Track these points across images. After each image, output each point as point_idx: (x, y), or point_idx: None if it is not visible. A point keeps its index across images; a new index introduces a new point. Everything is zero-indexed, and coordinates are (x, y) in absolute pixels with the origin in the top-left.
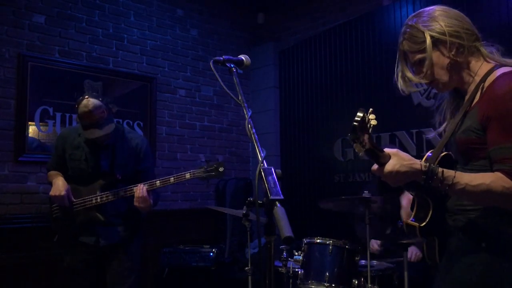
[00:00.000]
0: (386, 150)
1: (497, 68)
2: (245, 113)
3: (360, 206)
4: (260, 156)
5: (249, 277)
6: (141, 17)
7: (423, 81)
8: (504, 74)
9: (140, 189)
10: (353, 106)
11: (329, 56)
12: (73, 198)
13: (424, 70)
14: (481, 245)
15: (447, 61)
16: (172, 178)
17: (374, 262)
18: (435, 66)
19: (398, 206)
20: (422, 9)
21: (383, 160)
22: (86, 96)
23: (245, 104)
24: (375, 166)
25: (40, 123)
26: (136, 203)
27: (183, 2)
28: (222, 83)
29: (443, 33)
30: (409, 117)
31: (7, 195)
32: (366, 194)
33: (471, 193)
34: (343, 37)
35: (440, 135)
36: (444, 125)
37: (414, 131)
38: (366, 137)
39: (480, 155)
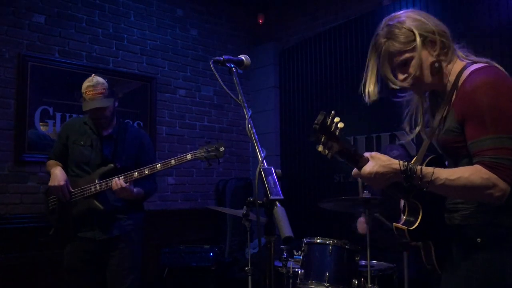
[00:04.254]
0: (365, 154)
1: (469, 66)
2: (245, 113)
3: (360, 206)
4: (260, 156)
5: (249, 277)
6: (141, 17)
7: (405, 84)
8: (474, 70)
9: (115, 182)
10: (353, 106)
11: (329, 56)
12: (71, 189)
13: (411, 70)
14: (477, 241)
15: (432, 61)
16: (173, 160)
17: (374, 262)
18: (422, 66)
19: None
20: (394, 14)
21: (362, 163)
22: (93, 74)
23: (245, 104)
24: (355, 170)
25: (40, 123)
26: (116, 195)
27: (183, 2)
28: (222, 83)
29: (433, 32)
30: None
31: (7, 195)
32: (366, 194)
33: (452, 187)
34: (343, 37)
35: (413, 140)
36: (418, 128)
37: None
38: (332, 139)
39: (464, 153)
